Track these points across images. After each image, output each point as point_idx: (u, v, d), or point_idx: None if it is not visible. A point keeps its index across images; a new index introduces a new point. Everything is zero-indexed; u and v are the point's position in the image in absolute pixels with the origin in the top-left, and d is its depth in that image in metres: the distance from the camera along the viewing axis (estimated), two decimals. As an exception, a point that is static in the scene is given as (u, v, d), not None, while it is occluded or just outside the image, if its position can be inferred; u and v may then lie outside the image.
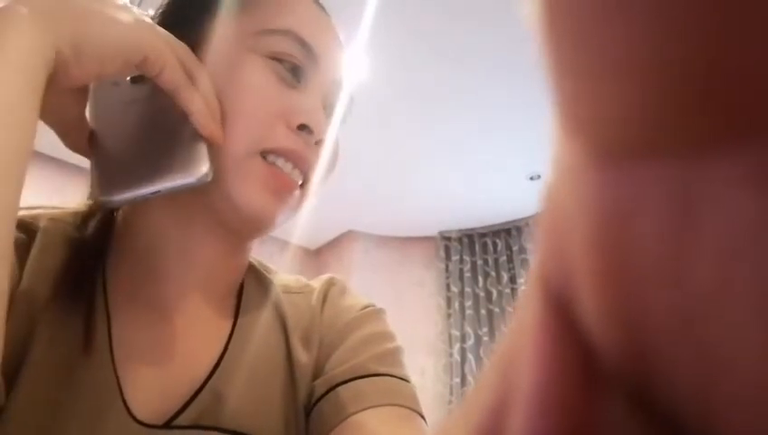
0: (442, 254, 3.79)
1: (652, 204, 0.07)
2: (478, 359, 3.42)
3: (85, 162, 0.45)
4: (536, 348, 0.09)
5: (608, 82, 0.07)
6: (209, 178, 0.42)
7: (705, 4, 0.06)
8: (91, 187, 0.43)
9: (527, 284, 0.10)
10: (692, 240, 0.07)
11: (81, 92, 0.42)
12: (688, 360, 0.07)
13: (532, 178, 3.18)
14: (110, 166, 0.43)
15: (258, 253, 0.57)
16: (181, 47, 0.44)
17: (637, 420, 0.09)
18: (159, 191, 0.42)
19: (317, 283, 0.59)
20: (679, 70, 0.06)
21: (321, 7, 0.52)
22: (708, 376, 0.07)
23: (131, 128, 0.45)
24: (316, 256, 4.22)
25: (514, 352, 0.10)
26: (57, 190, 2.88)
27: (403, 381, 0.49)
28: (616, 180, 0.08)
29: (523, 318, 0.10)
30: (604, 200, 0.08)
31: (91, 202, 0.51)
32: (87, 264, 0.47)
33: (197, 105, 0.43)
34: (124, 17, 0.40)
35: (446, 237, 3.82)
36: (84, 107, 0.43)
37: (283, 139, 0.46)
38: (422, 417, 0.47)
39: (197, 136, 0.43)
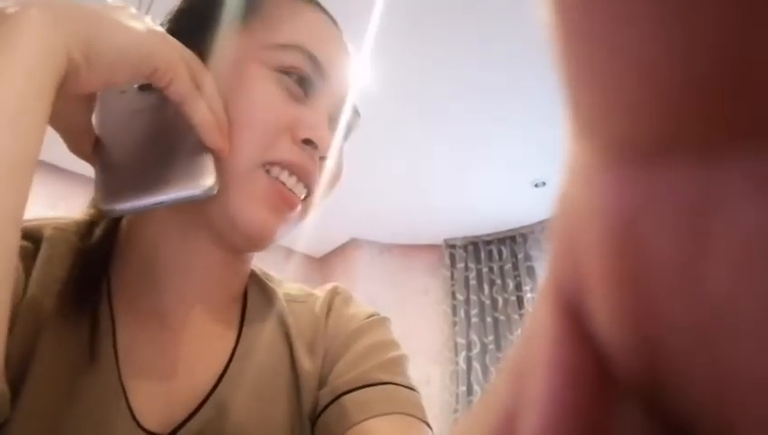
0: (447, 261, 3.78)
1: (666, 206, 0.07)
2: (484, 367, 3.40)
3: (89, 171, 0.44)
4: (549, 353, 0.09)
5: (624, 83, 0.07)
6: (214, 192, 0.42)
7: (727, 4, 0.06)
8: (95, 194, 0.42)
9: (540, 289, 0.10)
10: (706, 245, 0.07)
11: (89, 99, 0.42)
12: (702, 367, 0.07)
13: (536, 186, 3.17)
14: (115, 174, 0.43)
15: (263, 261, 0.57)
16: (191, 58, 0.43)
17: (649, 426, 0.09)
18: (163, 202, 0.41)
19: (321, 292, 0.59)
20: (697, 71, 0.06)
21: (331, 18, 0.51)
22: (722, 384, 0.07)
23: (137, 136, 0.45)
24: (321, 264, 4.21)
25: (527, 358, 0.10)
26: (62, 199, 2.89)
27: (408, 390, 0.48)
28: (629, 182, 0.07)
29: (535, 323, 0.10)
30: (617, 202, 0.08)
31: (93, 210, 0.50)
32: (92, 273, 0.47)
33: (205, 117, 0.42)
34: (136, 26, 0.39)
35: (450, 245, 3.81)
36: (91, 113, 0.43)
37: (287, 151, 0.45)
38: (428, 425, 0.47)
39: (203, 148, 0.43)
